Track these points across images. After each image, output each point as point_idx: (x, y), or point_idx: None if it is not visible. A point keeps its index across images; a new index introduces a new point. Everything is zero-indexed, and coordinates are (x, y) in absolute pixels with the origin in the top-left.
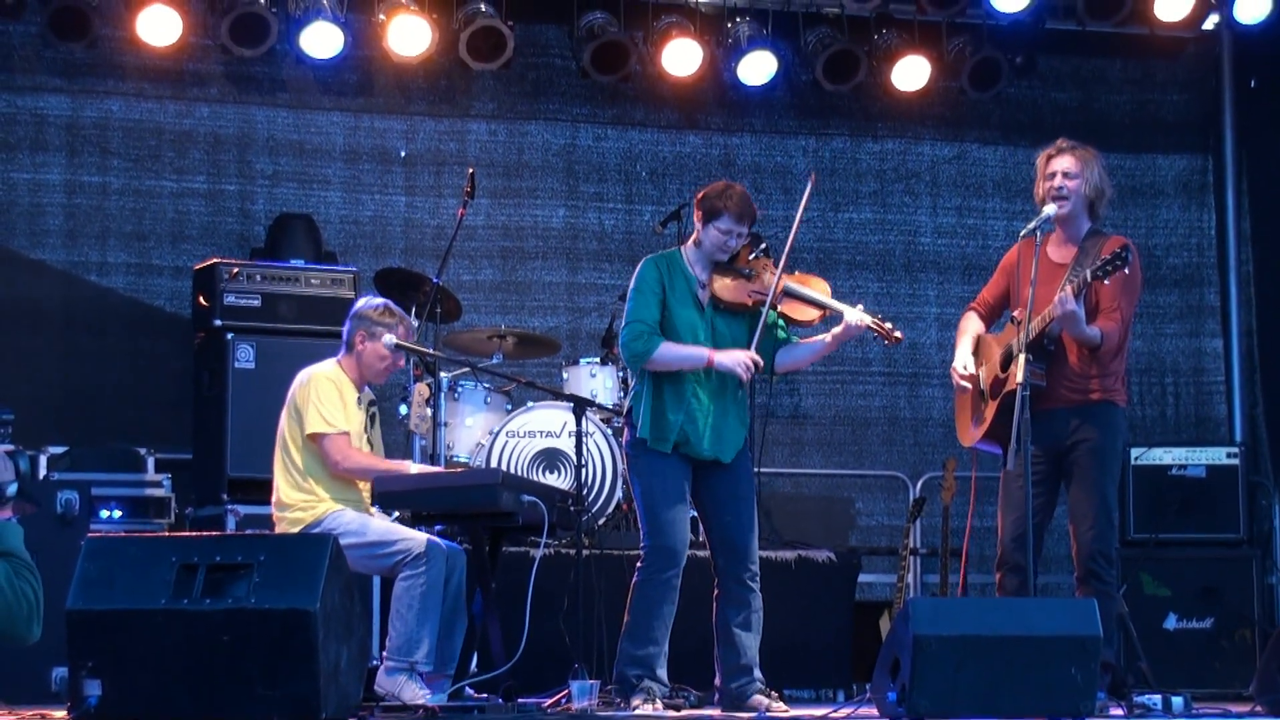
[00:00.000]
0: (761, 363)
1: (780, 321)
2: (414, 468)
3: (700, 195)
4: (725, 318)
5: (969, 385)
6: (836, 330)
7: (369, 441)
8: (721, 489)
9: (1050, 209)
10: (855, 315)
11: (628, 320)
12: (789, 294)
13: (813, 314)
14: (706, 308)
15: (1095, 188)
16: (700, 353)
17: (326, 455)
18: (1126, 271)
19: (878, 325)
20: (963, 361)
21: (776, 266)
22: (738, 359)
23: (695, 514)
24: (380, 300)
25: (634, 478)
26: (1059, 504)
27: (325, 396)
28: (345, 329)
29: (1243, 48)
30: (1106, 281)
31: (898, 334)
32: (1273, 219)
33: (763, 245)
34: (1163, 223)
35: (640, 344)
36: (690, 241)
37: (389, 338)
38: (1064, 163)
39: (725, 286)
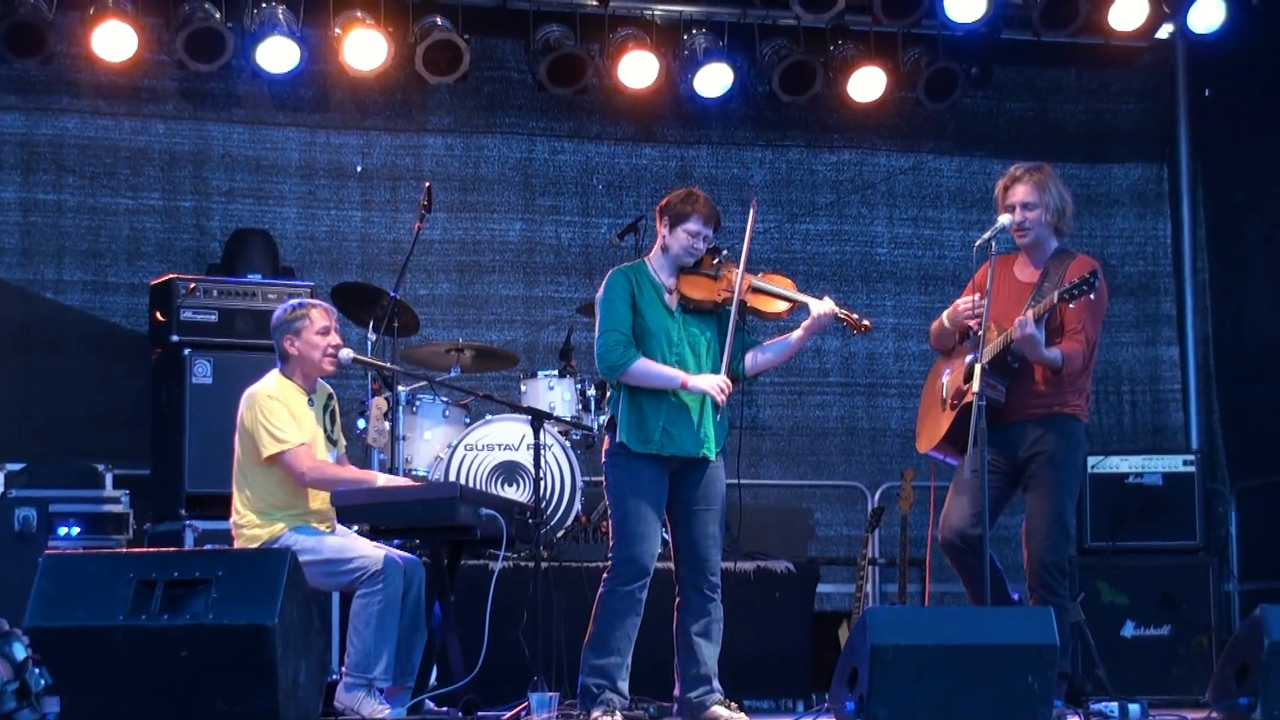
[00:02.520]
0: (731, 386)
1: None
2: (382, 479)
3: (664, 203)
4: (695, 318)
5: (952, 404)
6: (806, 322)
7: (331, 440)
8: (696, 495)
9: (1006, 219)
10: (823, 305)
11: (602, 330)
12: (756, 289)
13: (781, 307)
14: (676, 311)
15: (1055, 211)
16: (674, 375)
17: (291, 470)
18: (1093, 296)
19: (847, 315)
20: (961, 301)
21: (735, 271)
22: (712, 382)
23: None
24: (296, 301)
25: (610, 487)
26: (1017, 515)
27: (271, 414)
28: (274, 344)
29: (1197, 57)
30: (1072, 305)
31: (866, 322)
32: (1228, 227)
33: (724, 251)
34: (1118, 232)
35: (616, 355)
36: (655, 250)
37: (346, 353)
38: (1020, 193)
39: (694, 286)
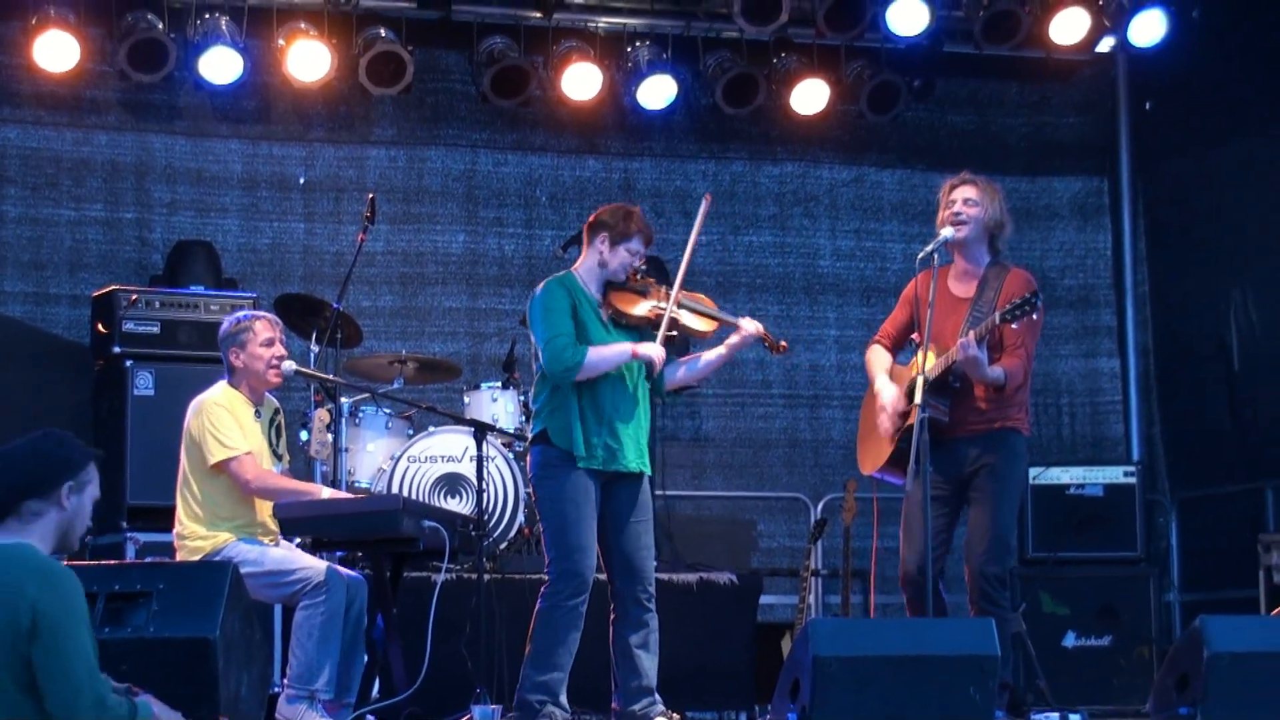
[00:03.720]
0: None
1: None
2: (326, 493)
3: (601, 218)
4: (624, 333)
5: (899, 421)
6: (732, 339)
7: (276, 454)
8: (626, 507)
9: (948, 231)
10: (750, 325)
11: (548, 337)
12: (685, 307)
13: (708, 325)
14: (609, 324)
15: (995, 220)
16: (623, 347)
17: (236, 478)
18: (1035, 316)
19: (767, 335)
20: (890, 396)
21: (661, 288)
22: (654, 348)
23: None
24: (243, 313)
25: (543, 501)
26: (959, 525)
27: (218, 421)
28: (221, 356)
29: (1138, 70)
30: (1014, 325)
31: (784, 343)
32: (1169, 240)
33: (645, 267)
34: (1058, 245)
35: (569, 355)
36: (587, 263)
37: (289, 364)
38: (966, 191)
39: (626, 301)
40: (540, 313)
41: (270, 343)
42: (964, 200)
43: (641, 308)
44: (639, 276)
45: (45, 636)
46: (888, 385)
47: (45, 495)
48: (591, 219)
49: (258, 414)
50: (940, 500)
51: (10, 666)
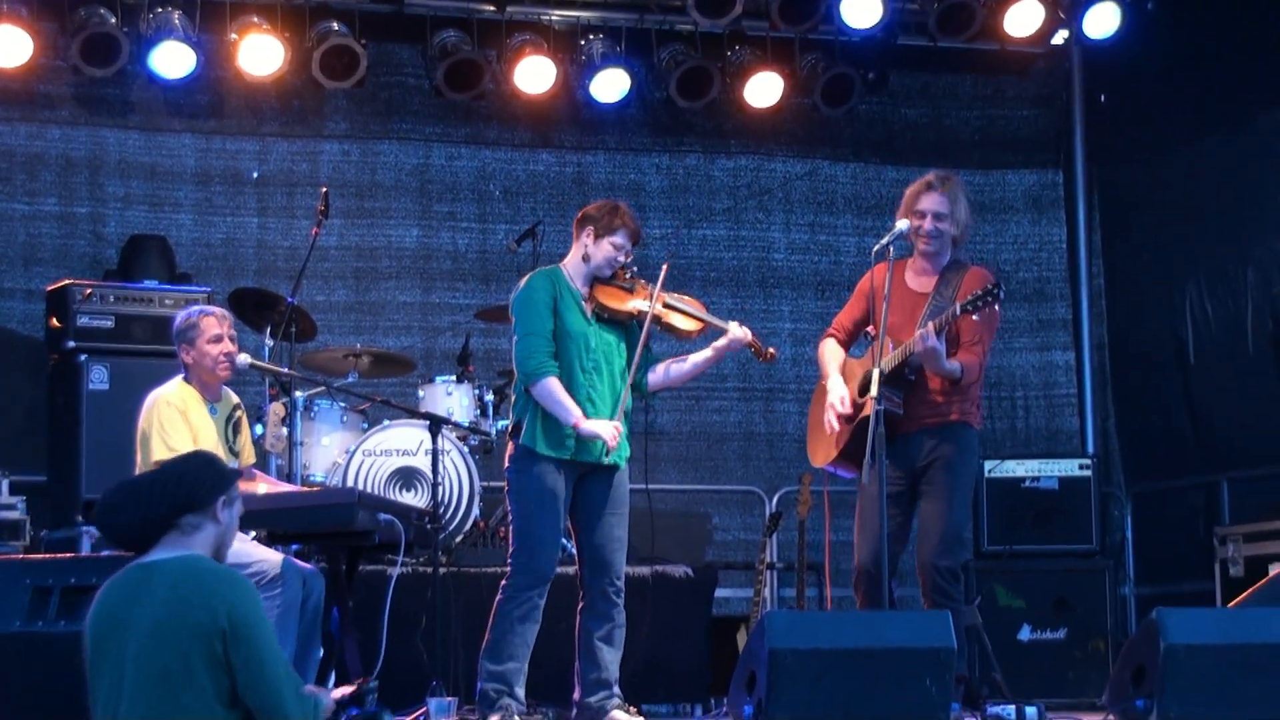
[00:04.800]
0: (621, 430)
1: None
2: (262, 488)
3: (589, 212)
4: (608, 328)
5: (848, 418)
6: (719, 343)
7: (233, 451)
8: (601, 499)
9: (903, 224)
10: (738, 330)
11: (525, 332)
12: (670, 306)
13: (693, 326)
14: (592, 319)
15: (963, 226)
16: (572, 413)
17: None
18: (997, 308)
19: (755, 343)
20: (839, 395)
21: (649, 286)
22: (606, 428)
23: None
24: (195, 309)
25: (513, 492)
26: (914, 518)
27: (166, 420)
28: (176, 352)
29: (1092, 63)
30: (975, 316)
31: (771, 350)
32: (1123, 233)
33: (634, 268)
34: (1012, 238)
35: (535, 362)
36: (573, 258)
37: (243, 358)
38: (934, 202)
39: (612, 297)
40: (520, 306)
41: (219, 339)
42: (934, 215)
43: (626, 304)
44: (627, 275)
45: (243, 638)
46: (838, 383)
47: (202, 510)
48: (579, 214)
49: (213, 410)
50: (895, 495)
51: (210, 668)
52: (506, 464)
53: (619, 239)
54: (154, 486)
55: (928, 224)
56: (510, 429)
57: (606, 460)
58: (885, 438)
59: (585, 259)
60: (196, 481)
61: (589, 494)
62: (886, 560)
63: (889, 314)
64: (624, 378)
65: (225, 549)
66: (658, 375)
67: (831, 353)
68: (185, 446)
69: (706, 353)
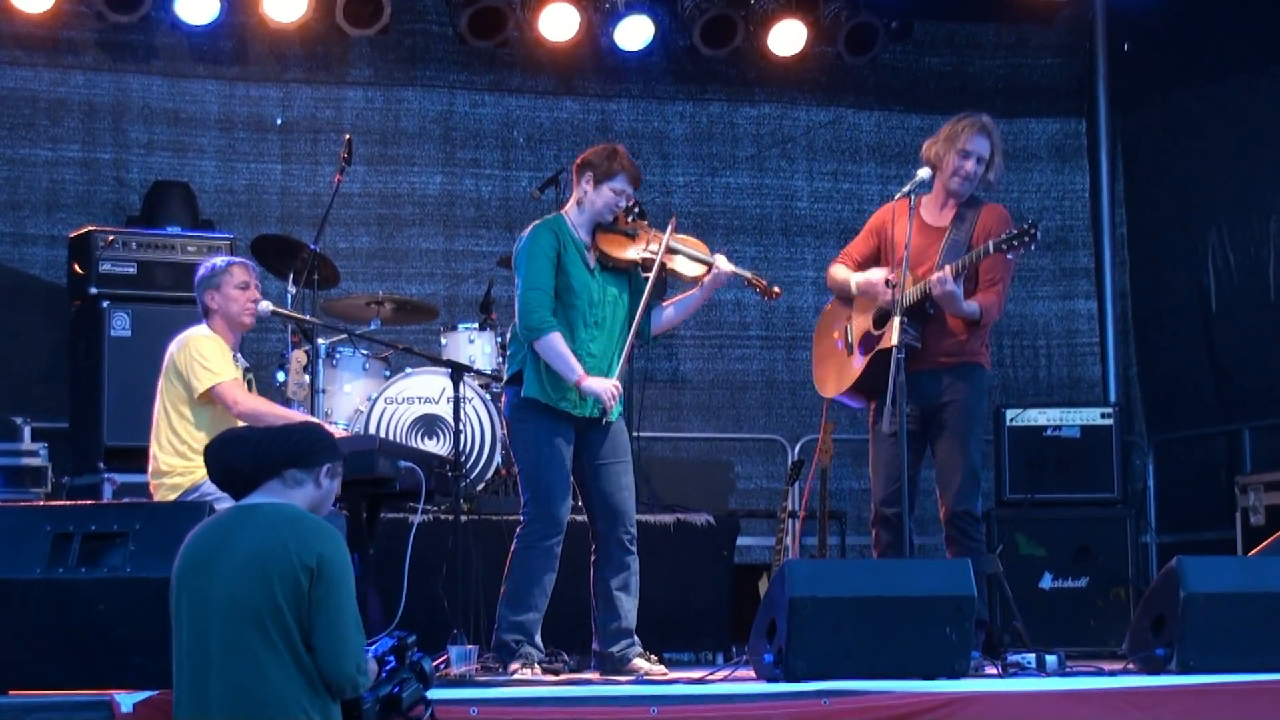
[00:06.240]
0: (620, 390)
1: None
2: (300, 418)
3: (587, 158)
4: (613, 277)
5: (863, 347)
6: (706, 280)
7: None
8: (603, 450)
9: (925, 173)
10: (725, 265)
11: (527, 286)
12: (674, 250)
13: (699, 270)
14: (595, 268)
15: (998, 173)
16: (574, 370)
17: (225, 401)
18: (1033, 247)
19: (754, 278)
20: (876, 274)
21: (652, 230)
22: (605, 386)
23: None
24: (221, 259)
25: (518, 442)
26: (925, 465)
27: (206, 352)
28: (197, 300)
29: (1116, 11)
30: (1009, 255)
31: (776, 289)
32: (1146, 181)
33: (636, 209)
34: (1035, 186)
35: (537, 318)
36: (573, 205)
37: (265, 305)
38: (982, 145)
39: (615, 245)
40: (524, 259)
41: (245, 286)
42: (978, 158)
43: (630, 251)
44: (629, 219)
45: (327, 579)
46: (871, 271)
47: (309, 467)
48: (578, 160)
49: (236, 360)
50: (909, 435)
51: (294, 607)
52: (507, 414)
53: (618, 184)
54: (272, 433)
55: (971, 165)
56: (507, 379)
57: (595, 414)
58: (894, 385)
59: (586, 205)
60: (314, 441)
61: (589, 445)
62: (908, 501)
63: (908, 255)
64: (626, 330)
65: (320, 515)
66: (661, 318)
67: (846, 270)
68: (227, 372)
69: (696, 292)
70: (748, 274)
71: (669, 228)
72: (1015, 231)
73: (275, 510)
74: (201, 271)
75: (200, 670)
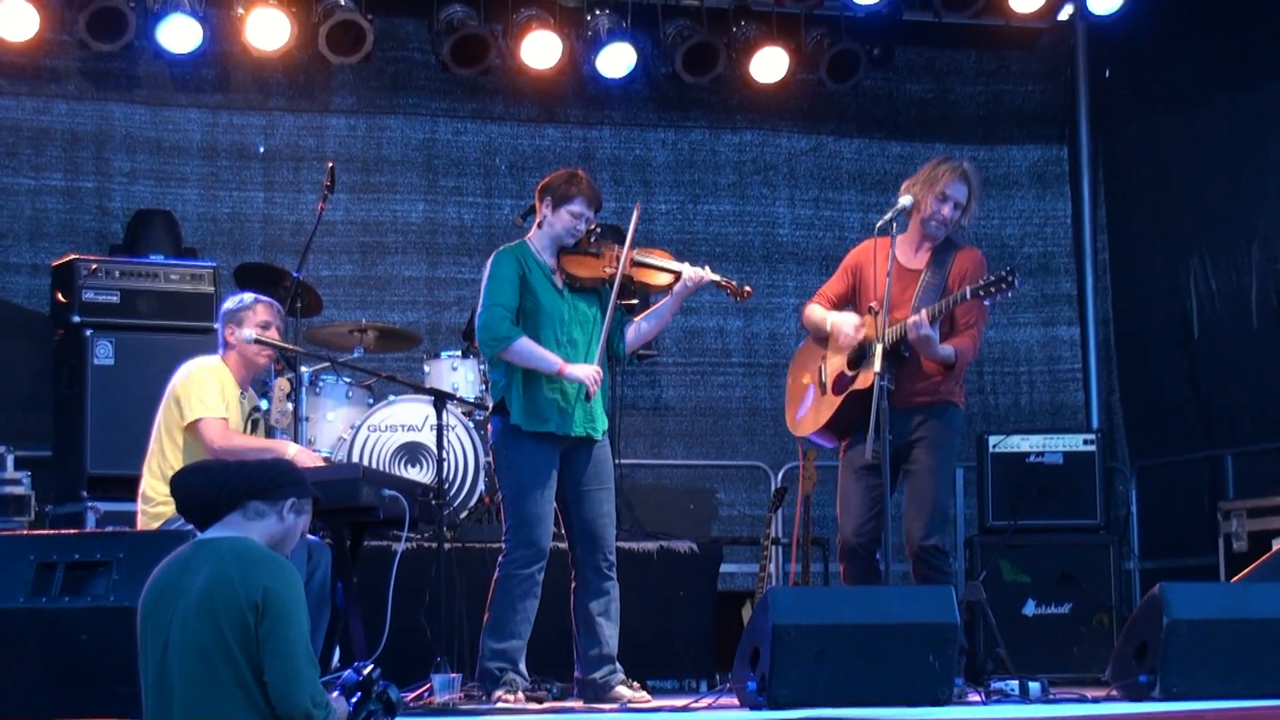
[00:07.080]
0: (602, 375)
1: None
2: (292, 448)
3: (547, 182)
4: (580, 297)
5: (835, 388)
6: (676, 288)
7: None
8: (586, 475)
9: (906, 200)
10: (692, 270)
11: (486, 305)
12: (639, 263)
13: (666, 279)
14: (564, 290)
15: (972, 218)
16: (553, 360)
17: (203, 437)
18: (1010, 295)
19: (725, 281)
20: (852, 322)
21: (615, 248)
22: (587, 371)
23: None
24: (249, 295)
25: (502, 469)
26: (897, 496)
27: (204, 384)
28: (218, 331)
29: (1097, 38)
30: (986, 302)
31: (748, 288)
32: (1128, 207)
33: (597, 230)
34: (1016, 213)
35: (503, 328)
36: (536, 231)
37: (246, 331)
38: (960, 191)
39: (579, 265)
40: (487, 280)
41: (266, 325)
42: (955, 204)
43: (592, 270)
44: (592, 240)
45: (274, 615)
46: (847, 316)
47: (271, 500)
48: (540, 185)
49: (242, 396)
50: (876, 468)
51: (244, 647)
52: (491, 441)
53: (576, 207)
54: (236, 465)
55: (948, 210)
56: (493, 408)
57: (581, 433)
58: (877, 412)
59: (546, 228)
60: (278, 474)
61: (573, 470)
62: (889, 534)
63: (881, 289)
64: (596, 345)
65: (283, 551)
66: (631, 335)
67: (823, 310)
68: (217, 410)
69: (668, 300)
70: (716, 277)
71: (632, 222)
72: (994, 279)
73: (228, 545)
74: (227, 304)
75: (164, 702)
